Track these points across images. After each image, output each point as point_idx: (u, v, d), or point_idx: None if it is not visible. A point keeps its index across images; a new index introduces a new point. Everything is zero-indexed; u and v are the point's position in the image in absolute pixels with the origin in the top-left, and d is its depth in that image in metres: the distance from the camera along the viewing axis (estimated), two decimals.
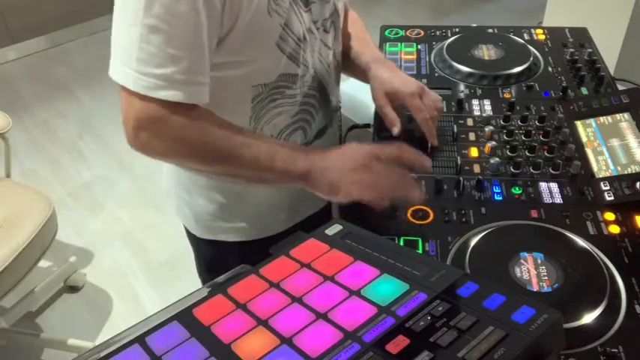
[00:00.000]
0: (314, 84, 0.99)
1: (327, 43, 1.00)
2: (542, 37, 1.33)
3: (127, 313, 2.06)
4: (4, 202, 1.79)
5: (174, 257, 2.20)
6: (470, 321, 0.52)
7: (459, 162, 0.98)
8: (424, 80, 1.20)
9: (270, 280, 0.64)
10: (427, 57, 1.28)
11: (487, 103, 1.13)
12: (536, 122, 1.07)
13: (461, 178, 0.95)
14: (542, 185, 0.95)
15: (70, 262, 2.13)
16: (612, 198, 0.91)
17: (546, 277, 0.78)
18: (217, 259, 1.12)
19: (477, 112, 1.11)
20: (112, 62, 0.81)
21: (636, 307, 0.75)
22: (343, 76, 1.12)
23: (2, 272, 1.58)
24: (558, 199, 0.92)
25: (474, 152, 1.02)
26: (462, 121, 1.09)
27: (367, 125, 1.09)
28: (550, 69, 1.22)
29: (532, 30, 1.36)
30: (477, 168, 0.99)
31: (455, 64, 1.21)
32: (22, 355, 1.97)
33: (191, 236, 1.14)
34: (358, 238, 0.69)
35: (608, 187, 0.93)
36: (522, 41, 1.29)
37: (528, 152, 1.01)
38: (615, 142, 1.00)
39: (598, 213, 0.89)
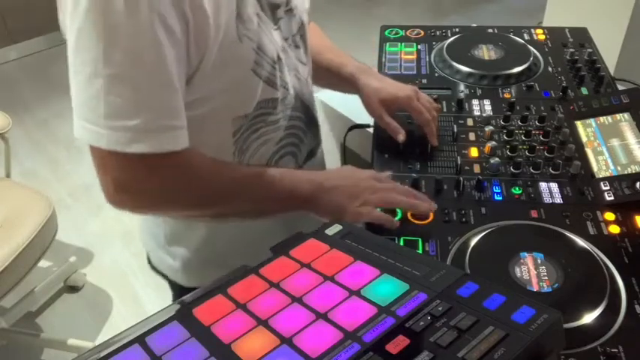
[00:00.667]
0: (297, 104, 0.94)
1: (301, 60, 0.95)
2: (542, 37, 1.33)
3: (127, 313, 2.06)
4: (4, 202, 1.79)
5: None
6: (470, 321, 0.52)
7: (459, 162, 0.98)
8: (424, 80, 1.20)
9: (270, 280, 0.64)
10: (427, 57, 1.28)
11: (487, 103, 1.13)
12: (536, 122, 1.07)
13: (461, 178, 0.95)
14: (542, 185, 0.95)
15: (70, 262, 2.14)
16: (612, 198, 0.91)
17: (546, 277, 0.78)
18: None
19: (477, 112, 1.11)
20: (77, 121, 0.72)
21: (636, 307, 0.75)
22: None
23: (2, 272, 1.58)
24: (558, 199, 0.92)
25: (473, 152, 1.02)
26: (462, 121, 1.09)
27: (367, 125, 1.09)
28: (550, 69, 1.22)
29: (532, 30, 1.36)
30: (477, 168, 0.99)
31: (455, 64, 1.21)
32: (22, 355, 1.97)
33: (174, 286, 1.06)
34: (358, 238, 0.69)
35: (608, 187, 0.93)
36: (522, 41, 1.29)
37: (528, 152, 1.01)
38: (615, 142, 1.00)
39: (598, 213, 0.89)
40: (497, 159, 0.98)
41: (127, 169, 0.74)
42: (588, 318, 0.73)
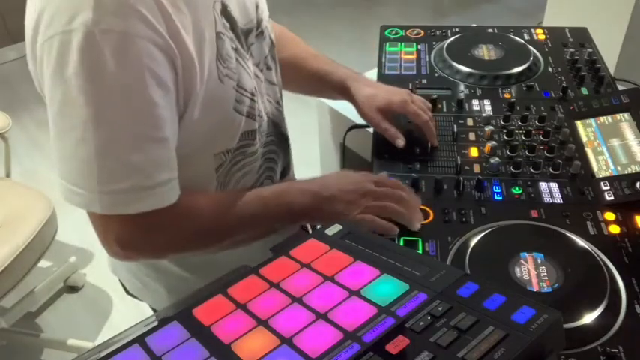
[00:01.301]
0: (270, 129, 0.93)
1: (271, 81, 0.94)
2: (542, 37, 1.33)
3: (127, 313, 2.06)
4: (4, 202, 1.79)
5: None
6: (470, 321, 0.52)
7: (459, 162, 0.98)
8: (424, 80, 1.20)
9: (270, 280, 0.64)
10: (427, 57, 1.28)
11: (487, 103, 1.13)
12: (536, 122, 1.07)
13: (461, 178, 0.95)
14: (542, 185, 0.95)
15: (70, 262, 2.14)
16: (612, 198, 0.91)
17: (546, 277, 0.78)
18: None
19: (477, 112, 1.11)
20: (66, 186, 0.69)
21: (636, 307, 0.75)
22: None
23: (2, 272, 1.58)
24: (558, 199, 0.92)
25: (473, 152, 1.02)
26: (462, 121, 1.09)
27: (367, 125, 1.09)
28: (550, 69, 1.22)
29: (532, 30, 1.36)
30: (477, 168, 0.99)
31: (455, 64, 1.21)
32: (22, 355, 1.97)
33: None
34: (358, 238, 0.69)
35: (608, 187, 0.93)
36: (522, 41, 1.29)
37: (528, 152, 1.01)
38: (615, 142, 1.00)
39: (598, 213, 0.89)
40: (497, 159, 0.98)
41: (128, 227, 0.72)
42: (588, 318, 0.73)
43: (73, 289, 2.14)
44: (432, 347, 0.50)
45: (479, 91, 1.17)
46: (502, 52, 1.25)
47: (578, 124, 1.06)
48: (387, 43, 1.34)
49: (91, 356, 0.60)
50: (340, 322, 0.56)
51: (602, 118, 1.05)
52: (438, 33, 1.36)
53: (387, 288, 0.59)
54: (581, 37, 1.33)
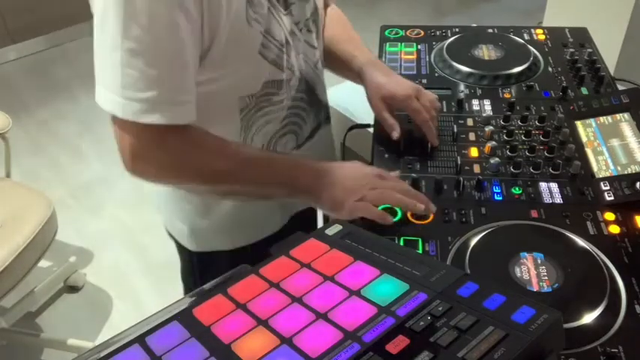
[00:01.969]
0: (301, 87, 0.98)
1: (311, 43, 0.98)
2: (542, 37, 1.33)
3: (127, 313, 2.06)
4: (4, 202, 1.79)
5: (174, 257, 2.19)
6: (470, 321, 0.52)
7: (459, 162, 0.98)
8: (424, 80, 1.20)
9: (270, 280, 0.64)
10: (427, 57, 1.28)
11: (487, 103, 1.13)
12: (536, 122, 1.07)
13: (461, 178, 0.95)
14: (542, 185, 0.95)
15: (70, 262, 2.14)
16: (612, 198, 0.91)
17: (546, 277, 0.78)
18: (212, 269, 1.09)
19: (477, 112, 1.11)
20: (98, 88, 0.79)
21: (636, 307, 0.75)
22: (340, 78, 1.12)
23: (2, 272, 1.58)
24: (558, 199, 0.92)
25: (473, 152, 1.02)
26: (462, 121, 1.09)
27: (367, 125, 1.09)
28: (550, 69, 1.22)
29: (532, 30, 1.36)
30: (477, 168, 0.99)
31: (455, 64, 1.21)
32: (22, 355, 1.97)
33: (183, 250, 1.12)
34: (358, 238, 0.69)
35: (608, 187, 0.93)
36: (522, 41, 1.29)
37: (528, 152, 1.01)
38: (615, 142, 1.00)
39: (598, 213, 0.89)
40: (497, 159, 0.98)
41: (140, 137, 0.79)
42: (588, 318, 0.73)
43: (73, 289, 2.14)
44: (432, 347, 0.50)
45: (479, 91, 1.17)
46: (502, 52, 1.25)
47: (578, 124, 1.06)
48: (387, 43, 1.34)
49: (91, 356, 0.60)
50: (340, 322, 0.56)
51: (602, 118, 1.05)
52: (438, 33, 1.36)
53: (387, 288, 0.59)
54: (581, 37, 1.33)
